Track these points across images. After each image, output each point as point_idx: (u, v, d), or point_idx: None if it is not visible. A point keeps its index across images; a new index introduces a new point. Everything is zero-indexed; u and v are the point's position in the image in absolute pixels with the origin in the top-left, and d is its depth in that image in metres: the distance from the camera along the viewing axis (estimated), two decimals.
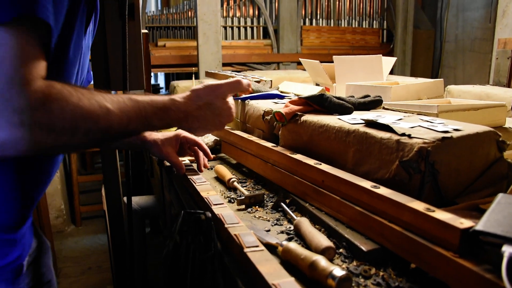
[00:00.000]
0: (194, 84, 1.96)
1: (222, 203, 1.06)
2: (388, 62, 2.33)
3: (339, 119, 1.18)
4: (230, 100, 1.14)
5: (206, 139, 1.71)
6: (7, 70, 0.68)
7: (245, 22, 5.31)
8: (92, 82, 1.38)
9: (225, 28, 5.21)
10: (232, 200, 1.21)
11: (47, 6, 0.73)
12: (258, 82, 2.24)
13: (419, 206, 0.77)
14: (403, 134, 0.95)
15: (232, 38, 5.27)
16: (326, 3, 5.61)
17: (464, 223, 0.69)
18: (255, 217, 1.09)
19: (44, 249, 1.18)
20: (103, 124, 0.80)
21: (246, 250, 0.79)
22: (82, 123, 0.76)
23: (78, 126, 0.76)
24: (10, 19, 0.69)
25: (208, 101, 1.08)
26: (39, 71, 0.73)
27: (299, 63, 5.13)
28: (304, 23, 5.54)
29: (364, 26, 5.88)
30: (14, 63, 0.69)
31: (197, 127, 1.08)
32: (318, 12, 5.60)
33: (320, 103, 1.28)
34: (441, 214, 0.73)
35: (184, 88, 3.61)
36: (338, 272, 0.71)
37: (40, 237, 1.18)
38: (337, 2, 5.67)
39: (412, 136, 0.93)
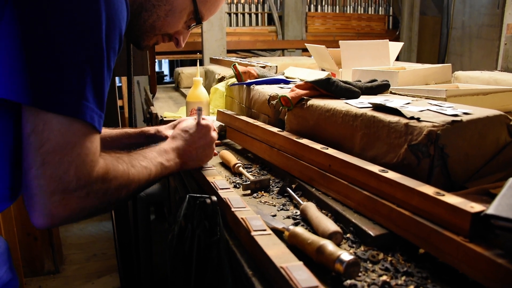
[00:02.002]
0: (198, 71, 1.94)
1: (229, 188, 1.05)
2: (395, 47, 2.30)
3: (346, 103, 1.16)
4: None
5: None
6: (80, 155, 0.80)
7: (250, 9, 5.26)
8: None
9: (229, 14, 5.17)
10: (237, 186, 1.20)
11: (98, 112, 0.84)
12: (264, 67, 2.22)
13: (428, 190, 0.75)
14: (412, 118, 0.93)
15: (237, 25, 5.23)
16: None
17: (474, 207, 0.68)
18: (261, 202, 1.08)
19: None
20: (137, 182, 0.97)
21: (253, 233, 0.78)
22: (125, 185, 0.92)
23: (123, 187, 0.92)
24: (76, 117, 0.80)
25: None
26: (99, 151, 0.86)
27: (304, 50, 5.09)
28: (309, 9, 5.49)
29: (369, 13, 5.82)
30: (85, 149, 0.81)
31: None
32: None
33: (327, 87, 1.27)
34: (451, 198, 0.71)
35: (188, 74, 3.59)
36: (346, 256, 0.70)
37: None
38: None
39: (421, 119, 0.92)
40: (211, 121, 1.29)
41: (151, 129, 1.44)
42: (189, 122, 1.25)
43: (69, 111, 0.78)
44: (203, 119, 1.24)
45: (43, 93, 0.76)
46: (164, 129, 1.42)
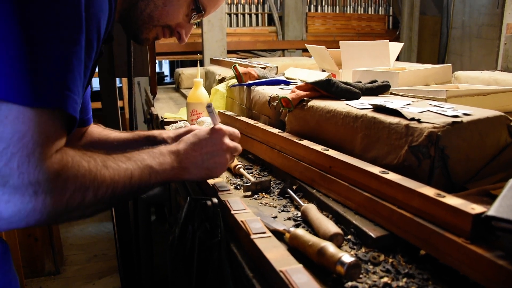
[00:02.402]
0: (199, 72, 1.94)
1: (229, 189, 1.05)
2: (395, 47, 2.30)
3: (346, 104, 1.16)
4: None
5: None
6: (27, 146, 0.71)
7: (250, 9, 5.27)
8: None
9: (229, 15, 5.17)
10: (238, 187, 1.20)
11: (77, 100, 0.78)
12: (264, 68, 2.22)
13: (429, 191, 0.75)
14: (412, 119, 0.93)
15: (237, 25, 5.23)
16: None
17: (475, 208, 0.68)
18: (261, 203, 1.08)
19: None
20: (109, 185, 0.84)
21: (253, 236, 0.78)
22: (90, 188, 0.79)
23: (87, 188, 0.79)
24: (40, 106, 0.72)
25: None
26: (58, 146, 0.77)
27: (304, 50, 5.10)
28: (309, 9, 5.49)
29: (369, 13, 5.83)
30: (35, 140, 0.72)
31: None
32: None
33: (327, 88, 1.27)
34: (452, 200, 0.71)
35: (189, 75, 3.60)
36: (347, 258, 0.70)
37: None
38: None
39: (421, 120, 0.91)
40: (231, 129, 1.13)
41: (158, 135, 1.32)
42: (203, 128, 1.11)
43: (25, 99, 0.70)
44: (219, 121, 1.11)
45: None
46: (170, 139, 1.30)
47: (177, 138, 1.28)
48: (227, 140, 1.07)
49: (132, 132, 1.36)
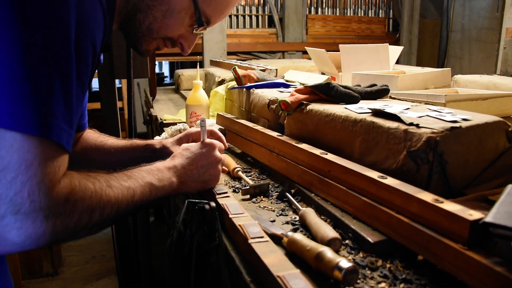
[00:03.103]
0: (198, 74, 1.94)
1: (226, 192, 1.05)
2: (395, 51, 2.30)
3: (345, 108, 1.16)
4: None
5: (211, 128, 1.70)
6: (36, 175, 0.72)
7: (250, 11, 5.27)
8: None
9: (230, 16, 5.17)
10: (236, 190, 1.20)
11: (62, 126, 0.76)
12: (263, 70, 2.22)
13: (427, 197, 0.75)
14: (411, 124, 0.93)
15: (237, 27, 5.24)
16: None
17: (473, 214, 0.68)
18: (260, 207, 1.08)
19: None
20: (114, 204, 0.86)
21: (250, 241, 0.78)
22: (97, 208, 0.82)
23: (94, 209, 0.81)
24: (35, 135, 0.72)
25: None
26: (64, 170, 0.78)
27: (304, 52, 5.10)
28: (310, 11, 5.50)
29: (370, 15, 5.84)
30: (43, 168, 0.72)
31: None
32: (324, 1, 5.56)
33: (327, 92, 1.27)
34: (450, 206, 0.71)
35: (188, 76, 3.60)
36: (345, 263, 0.70)
37: None
38: None
39: (420, 125, 0.91)
40: (217, 142, 1.17)
41: (157, 143, 1.34)
42: (193, 143, 1.15)
43: (30, 128, 0.70)
44: (212, 133, 1.17)
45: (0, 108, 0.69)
46: (171, 145, 1.33)
47: (178, 141, 1.33)
48: (217, 153, 1.12)
49: (130, 140, 1.36)
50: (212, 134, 1.34)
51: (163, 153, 1.29)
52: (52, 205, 0.73)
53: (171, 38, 1.10)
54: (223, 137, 1.33)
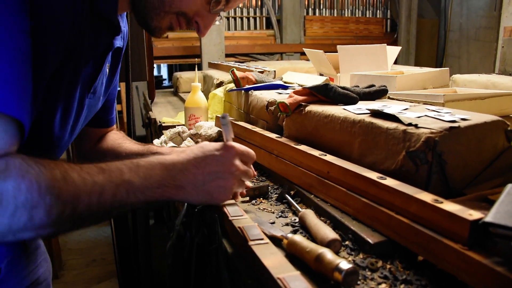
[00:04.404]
0: (196, 76, 1.94)
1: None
2: (393, 51, 2.30)
3: (344, 109, 1.16)
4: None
5: (210, 131, 1.70)
6: None
7: (248, 13, 5.27)
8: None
9: (227, 18, 5.18)
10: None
11: (20, 103, 0.68)
12: (262, 72, 2.22)
13: (427, 197, 0.75)
14: (409, 124, 0.93)
15: (235, 29, 5.24)
16: None
17: (473, 214, 0.68)
18: (259, 209, 1.08)
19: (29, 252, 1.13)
20: (67, 198, 0.70)
21: (250, 243, 0.78)
22: (40, 201, 0.66)
23: (37, 205, 0.66)
24: None
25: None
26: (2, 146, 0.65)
27: (302, 54, 5.11)
28: (307, 13, 5.51)
29: (367, 16, 5.84)
30: None
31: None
32: (321, 2, 5.56)
33: (325, 93, 1.27)
34: (449, 206, 0.71)
35: (187, 79, 3.60)
36: (345, 265, 0.70)
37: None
38: None
39: (419, 126, 0.91)
40: (245, 149, 0.95)
41: (167, 152, 1.11)
42: (212, 143, 0.94)
43: None
44: (232, 138, 0.93)
45: None
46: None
47: None
48: (237, 162, 0.91)
49: (145, 146, 1.24)
50: (242, 153, 0.96)
51: None
52: None
53: (186, 14, 0.98)
54: (254, 157, 0.98)
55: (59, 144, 1.00)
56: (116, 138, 1.32)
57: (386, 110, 1.04)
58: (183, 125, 1.92)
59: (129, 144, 1.26)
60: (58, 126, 0.94)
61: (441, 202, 0.73)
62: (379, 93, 1.37)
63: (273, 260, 0.72)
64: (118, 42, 1.07)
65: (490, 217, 0.65)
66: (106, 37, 0.99)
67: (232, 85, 1.98)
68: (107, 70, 1.11)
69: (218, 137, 1.70)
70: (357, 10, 5.78)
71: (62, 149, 1.04)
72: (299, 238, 0.81)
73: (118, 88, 4.00)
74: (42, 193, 0.66)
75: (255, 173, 0.98)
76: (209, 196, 0.88)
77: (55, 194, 0.67)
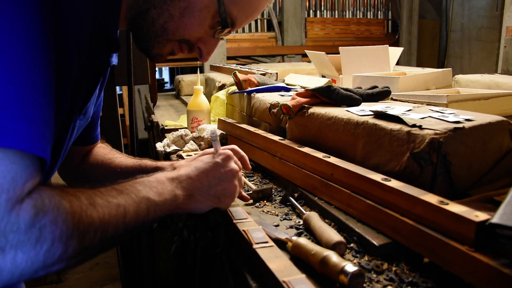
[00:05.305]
0: (199, 79, 1.93)
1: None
2: (395, 52, 2.30)
3: (347, 111, 1.16)
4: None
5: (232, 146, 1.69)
6: None
7: None
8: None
9: None
10: None
11: (45, 142, 0.64)
12: (264, 75, 2.22)
13: (432, 199, 0.75)
14: (413, 125, 0.93)
15: (236, 32, 5.23)
16: None
17: (479, 216, 0.67)
18: (263, 211, 1.07)
19: None
20: (99, 227, 0.68)
21: (255, 246, 0.78)
22: (75, 231, 0.64)
23: (71, 235, 0.63)
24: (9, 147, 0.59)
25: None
26: (28, 186, 0.61)
27: (304, 55, 5.10)
28: (309, 14, 5.50)
29: (369, 17, 5.84)
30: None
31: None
32: (322, 4, 5.56)
33: (328, 95, 1.26)
34: (455, 207, 0.71)
35: (189, 82, 3.60)
36: (350, 267, 0.69)
37: None
38: None
39: (423, 127, 0.91)
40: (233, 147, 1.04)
41: (168, 167, 1.12)
42: (206, 155, 0.97)
43: None
44: (233, 151, 1.01)
45: None
46: (185, 162, 1.12)
47: None
48: (234, 165, 0.95)
49: (139, 160, 1.20)
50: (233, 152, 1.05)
51: None
52: (9, 231, 0.56)
53: (189, 41, 0.96)
54: (246, 157, 1.11)
55: (52, 169, 0.96)
56: (105, 153, 1.25)
57: (390, 112, 1.04)
58: (186, 128, 1.92)
59: (122, 159, 1.22)
60: (53, 151, 0.89)
61: (447, 204, 0.72)
62: (382, 94, 1.36)
63: (278, 263, 0.71)
64: (114, 60, 1.03)
65: (497, 218, 0.64)
66: (103, 55, 0.95)
67: (234, 88, 1.98)
68: (97, 88, 1.06)
69: (220, 140, 1.70)
70: (358, 11, 5.77)
71: (53, 173, 0.99)
72: (303, 241, 0.81)
73: (120, 92, 4.01)
74: (76, 222, 0.64)
75: (250, 166, 1.09)
76: (217, 199, 0.91)
77: (87, 222, 0.66)
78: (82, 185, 0.73)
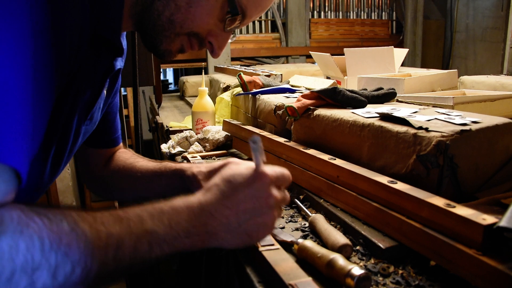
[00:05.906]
0: (203, 81, 1.94)
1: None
2: (400, 53, 2.30)
3: (353, 112, 1.15)
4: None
5: (217, 135, 1.69)
6: None
7: None
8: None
9: None
10: None
11: (20, 153, 0.58)
12: (269, 76, 2.22)
13: (439, 201, 0.74)
14: (420, 128, 0.92)
15: (240, 32, 5.24)
16: None
17: (487, 219, 0.67)
18: None
19: None
20: (77, 255, 0.57)
21: (261, 249, 0.78)
22: (44, 261, 0.54)
23: (39, 266, 0.54)
24: None
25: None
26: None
27: (308, 57, 5.10)
28: (313, 15, 5.50)
29: (373, 18, 5.83)
30: None
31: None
32: (327, 5, 5.55)
33: (333, 96, 1.26)
34: (462, 210, 0.70)
35: (193, 83, 3.60)
36: (357, 271, 0.69)
37: None
38: None
39: (429, 129, 0.91)
40: (278, 171, 0.80)
41: (187, 170, 1.03)
42: (240, 169, 0.77)
43: None
44: (263, 161, 0.76)
45: None
46: (203, 178, 0.99)
47: (210, 174, 0.96)
48: (274, 191, 0.77)
49: (160, 163, 1.12)
50: (277, 178, 0.81)
51: (193, 184, 0.99)
52: None
53: (198, 34, 0.90)
54: (290, 178, 0.85)
55: (51, 178, 0.93)
56: (127, 157, 1.21)
57: (396, 114, 1.04)
58: (191, 129, 1.92)
59: (143, 162, 1.15)
60: (51, 160, 0.87)
61: (454, 207, 0.72)
62: (388, 96, 1.36)
63: (284, 266, 0.71)
64: (119, 64, 1.00)
65: (505, 221, 0.64)
66: (105, 59, 0.91)
67: (239, 89, 1.98)
68: (105, 93, 1.03)
69: (225, 141, 1.70)
70: (362, 12, 5.76)
71: (52, 182, 0.96)
72: (309, 243, 0.81)
73: (124, 93, 4.01)
74: (46, 251, 0.54)
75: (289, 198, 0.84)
76: (247, 237, 0.75)
77: (61, 252, 0.55)
78: (82, 207, 0.66)
